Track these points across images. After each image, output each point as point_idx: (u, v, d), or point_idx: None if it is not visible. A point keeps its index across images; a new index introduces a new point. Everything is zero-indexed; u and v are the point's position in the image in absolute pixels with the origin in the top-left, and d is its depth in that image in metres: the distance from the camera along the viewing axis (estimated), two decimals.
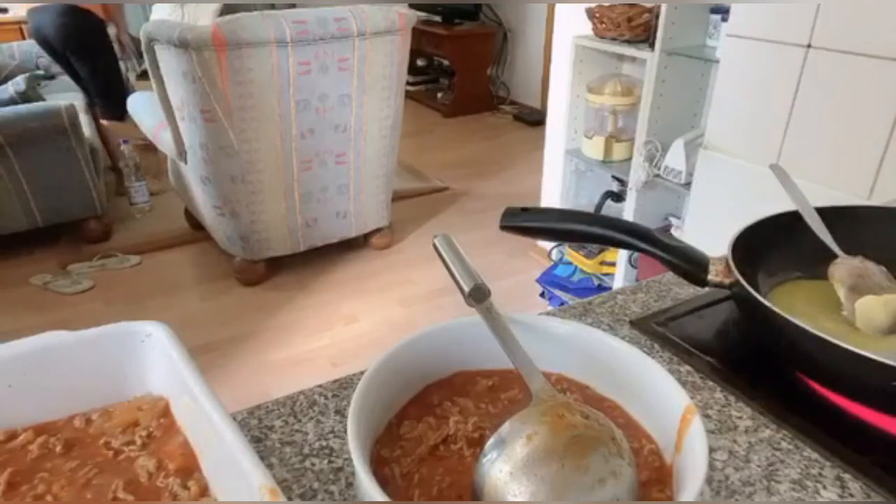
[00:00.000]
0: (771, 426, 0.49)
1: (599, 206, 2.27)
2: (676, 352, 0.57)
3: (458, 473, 0.38)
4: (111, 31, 2.98)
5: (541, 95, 4.62)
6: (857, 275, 0.58)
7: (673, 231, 2.02)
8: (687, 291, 0.68)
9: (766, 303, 0.51)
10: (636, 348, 0.43)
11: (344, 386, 0.53)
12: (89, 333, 0.45)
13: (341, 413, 0.50)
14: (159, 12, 2.35)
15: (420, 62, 5.15)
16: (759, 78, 1.41)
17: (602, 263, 2.24)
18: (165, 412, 0.44)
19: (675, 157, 1.84)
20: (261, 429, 0.49)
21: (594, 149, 2.17)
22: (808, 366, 0.53)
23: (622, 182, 2.19)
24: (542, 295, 2.44)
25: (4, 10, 4.33)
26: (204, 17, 2.09)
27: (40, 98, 2.75)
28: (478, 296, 0.43)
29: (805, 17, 1.28)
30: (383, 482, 0.36)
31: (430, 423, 0.42)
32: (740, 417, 0.50)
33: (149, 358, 0.45)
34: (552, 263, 2.44)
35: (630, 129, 2.09)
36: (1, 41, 3.62)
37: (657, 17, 1.79)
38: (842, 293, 0.58)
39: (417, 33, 4.53)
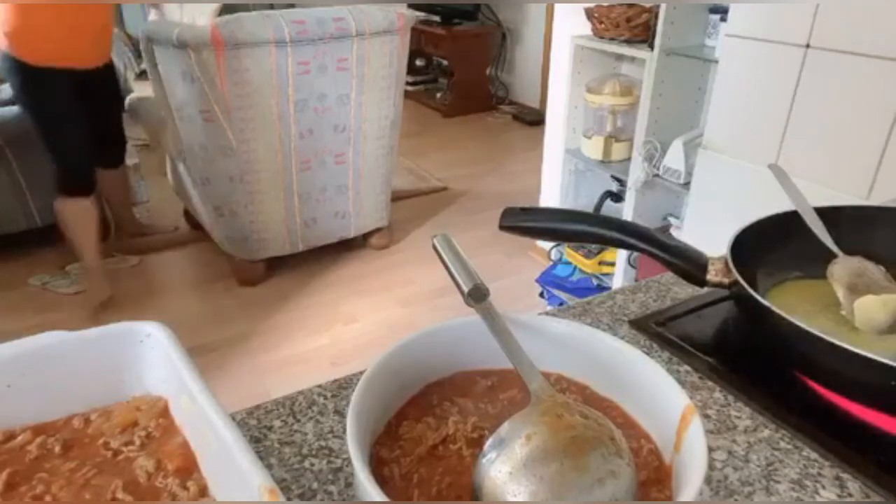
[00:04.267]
0: (770, 426, 0.49)
1: (598, 206, 2.27)
2: (675, 351, 0.57)
3: (457, 473, 0.38)
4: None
5: (540, 95, 4.62)
6: (856, 274, 0.58)
7: (672, 231, 2.02)
8: (686, 291, 0.68)
9: (766, 302, 0.51)
10: (635, 348, 0.43)
11: (343, 386, 0.53)
12: (88, 333, 0.45)
13: (340, 413, 0.50)
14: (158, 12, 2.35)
15: (419, 62, 5.15)
16: (757, 78, 1.41)
17: (601, 263, 2.24)
18: (164, 412, 0.44)
19: (674, 157, 1.85)
20: (260, 429, 0.49)
21: (593, 149, 2.17)
22: (808, 365, 0.53)
23: (621, 182, 2.19)
24: (541, 295, 2.44)
25: None
26: (203, 17, 2.09)
27: None
28: (477, 296, 0.43)
29: (804, 17, 1.28)
30: (382, 482, 0.36)
31: (430, 423, 0.42)
32: (739, 417, 0.50)
33: (148, 358, 0.45)
34: (551, 263, 2.44)
35: (629, 128, 2.09)
36: None
37: (656, 17, 1.79)
38: (841, 293, 0.58)
39: (416, 33, 4.53)
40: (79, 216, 2.28)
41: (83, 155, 2.26)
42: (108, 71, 2.30)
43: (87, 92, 2.16)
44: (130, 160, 3.04)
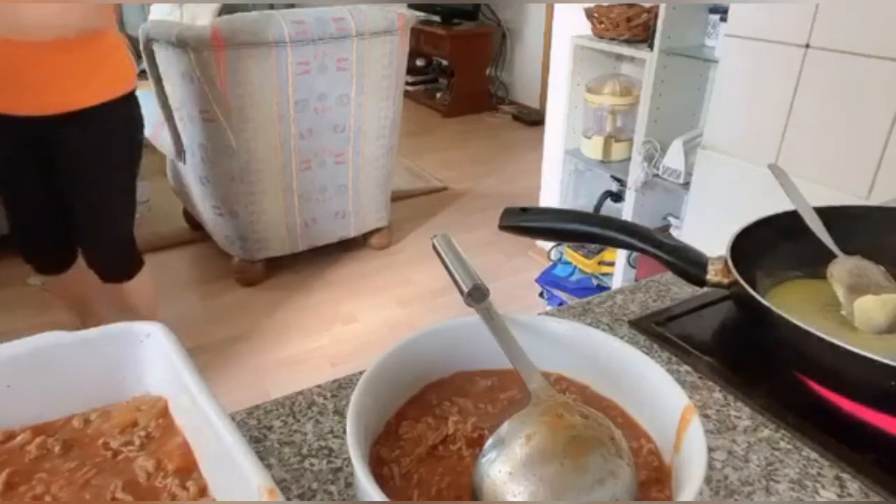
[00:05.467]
0: (770, 426, 0.49)
1: (598, 206, 2.27)
2: (675, 351, 0.57)
3: (456, 474, 0.38)
4: None
5: (540, 95, 4.62)
6: (856, 274, 0.58)
7: (672, 231, 2.02)
8: (686, 291, 0.68)
9: (765, 302, 0.51)
10: (635, 348, 0.43)
11: (343, 386, 0.53)
12: (88, 333, 0.45)
13: (340, 413, 0.50)
14: (158, 12, 2.35)
15: (419, 62, 5.15)
16: (757, 78, 1.41)
17: (601, 263, 2.24)
18: (164, 412, 0.44)
19: (673, 157, 1.85)
20: (260, 429, 0.49)
21: (593, 149, 2.17)
22: (807, 365, 0.53)
23: (621, 182, 2.19)
24: (541, 295, 2.44)
25: None
26: (203, 17, 2.09)
27: None
28: (477, 296, 0.43)
29: (803, 17, 1.28)
30: (382, 482, 0.36)
31: (429, 423, 0.42)
32: (739, 417, 0.50)
33: (147, 358, 0.45)
34: (551, 263, 2.44)
35: (629, 128, 2.09)
36: None
37: (656, 17, 1.79)
38: (840, 293, 0.58)
39: (416, 33, 4.53)
40: (57, 290, 1.82)
41: (28, 228, 1.67)
42: (75, 127, 1.48)
43: (38, 149, 1.51)
44: None
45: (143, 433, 0.42)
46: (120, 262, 1.73)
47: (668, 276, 0.68)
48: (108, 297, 1.80)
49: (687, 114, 1.97)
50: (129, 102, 1.57)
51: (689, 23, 1.80)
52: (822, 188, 1.30)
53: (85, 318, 1.90)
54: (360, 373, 0.42)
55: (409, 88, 4.77)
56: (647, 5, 1.87)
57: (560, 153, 2.33)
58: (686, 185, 1.77)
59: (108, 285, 1.74)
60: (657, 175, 1.92)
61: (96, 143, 1.54)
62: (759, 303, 0.51)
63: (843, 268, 0.59)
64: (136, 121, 1.63)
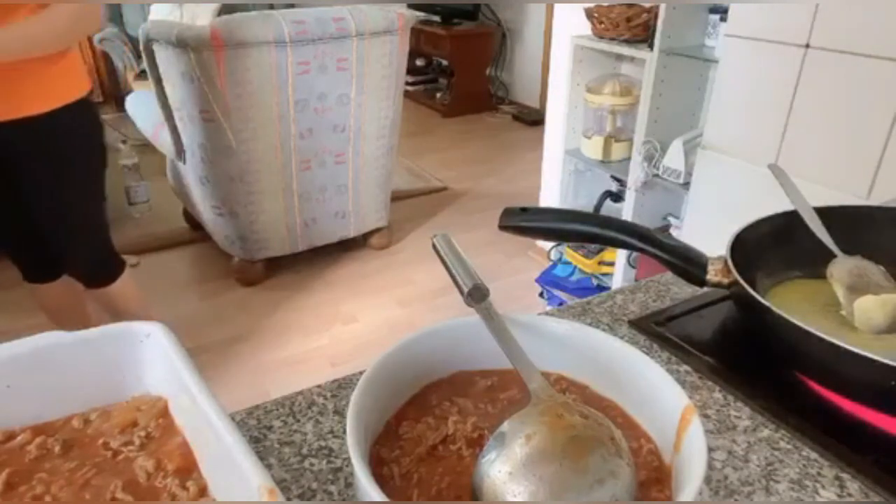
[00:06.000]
0: (770, 426, 0.49)
1: (598, 206, 2.27)
2: (675, 351, 0.57)
3: (456, 474, 0.38)
4: None
5: (540, 95, 4.62)
6: (856, 274, 0.58)
7: (672, 231, 2.02)
8: (685, 291, 0.68)
9: (765, 302, 0.51)
10: (635, 348, 0.43)
11: (343, 386, 0.53)
12: (88, 334, 0.45)
13: (340, 413, 0.50)
14: (158, 12, 2.35)
15: (419, 62, 5.15)
16: (757, 78, 1.41)
17: (601, 263, 2.24)
18: (164, 412, 0.44)
19: (673, 157, 1.85)
20: (260, 429, 0.49)
21: (593, 149, 2.17)
22: (807, 365, 0.53)
23: (621, 182, 2.19)
24: (541, 295, 2.44)
25: None
26: (202, 17, 2.09)
27: None
28: (477, 296, 0.43)
29: (803, 17, 1.28)
30: (382, 482, 0.36)
31: (429, 423, 0.42)
32: (739, 417, 0.50)
33: (147, 358, 0.45)
34: (551, 263, 2.44)
35: (629, 128, 2.09)
36: None
37: (656, 17, 1.79)
38: (840, 293, 0.58)
39: (416, 33, 4.53)
40: (42, 301, 1.77)
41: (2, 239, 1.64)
42: (21, 137, 1.39)
43: None
44: (129, 159, 3.02)
45: (143, 433, 0.42)
46: (100, 266, 1.70)
47: (668, 276, 0.68)
48: (98, 305, 1.77)
49: (687, 114, 1.97)
50: (79, 108, 1.46)
51: (689, 23, 1.80)
52: (822, 188, 1.30)
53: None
54: (360, 373, 0.42)
55: (409, 88, 4.77)
56: (647, 5, 1.87)
57: (560, 153, 2.33)
58: (686, 185, 1.77)
59: (94, 292, 1.71)
60: (657, 175, 1.92)
61: (49, 153, 1.47)
62: (759, 303, 0.51)
63: (843, 268, 0.59)
64: (91, 126, 1.54)
